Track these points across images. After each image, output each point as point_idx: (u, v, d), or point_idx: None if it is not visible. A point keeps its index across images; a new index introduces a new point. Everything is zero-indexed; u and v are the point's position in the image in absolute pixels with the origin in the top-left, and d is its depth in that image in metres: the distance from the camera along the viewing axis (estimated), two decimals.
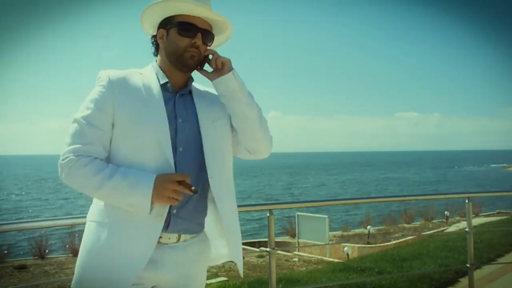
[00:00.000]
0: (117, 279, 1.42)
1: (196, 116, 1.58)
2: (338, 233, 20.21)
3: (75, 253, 14.17)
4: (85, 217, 1.57)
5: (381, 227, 21.08)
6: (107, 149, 1.51)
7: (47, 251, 14.72)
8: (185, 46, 1.53)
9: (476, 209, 20.58)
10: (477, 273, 5.33)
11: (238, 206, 1.72)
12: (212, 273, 10.16)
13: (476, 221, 15.31)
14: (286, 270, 11.21)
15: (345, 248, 14.19)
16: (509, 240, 7.96)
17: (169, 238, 1.52)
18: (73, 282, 1.49)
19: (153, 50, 1.65)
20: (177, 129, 1.53)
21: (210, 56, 1.60)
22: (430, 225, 20.97)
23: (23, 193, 48.02)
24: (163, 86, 1.56)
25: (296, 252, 14.57)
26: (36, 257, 14.24)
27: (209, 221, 1.66)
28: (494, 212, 22.41)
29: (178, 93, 1.58)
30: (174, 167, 1.48)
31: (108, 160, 1.51)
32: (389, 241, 15.41)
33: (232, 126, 1.65)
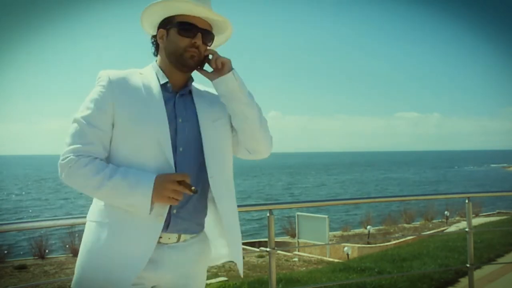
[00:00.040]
0: (117, 279, 1.42)
1: (196, 116, 1.58)
2: (338, 233, 20.21)
3: (75, 253, 14.17)
4: (85, 217, 1.57)
5: (381, 227, 21.08)
6: (107, 149, 1.50)
7: (47, 251, 14.72)
8: (185, 46, 1.53)
9: (476, 209, 20.58)
10: (477, 273, 5.33)
11: (238, 206, 1.72)
12: (212, 273, 10.16)
13: (476, 221, 15.31)
14: (286, 270, 11.21)
15: (345, 248, 14.20)
16: (509, 240, 7.95)
17: (169, 238, 1.52)
18: (73, 282, 1.49)
19: (153, 50, 1.65)
20: (177, 129, 1.53)
21: (210, 56, 1.60)
22: (430, 225, 20.97)
23: (23, 193, 48.03)
24: (163, 86, 1.56)
25: (296, 252, 14.57)
26: (36, 257, 14.24)
27: (209, 221, 1.66)
28: (494, 212, 22.41)
29: (178, 93, 1.58)
30: (174, 167, 1.48)
31: (108, 160, 1.51)
32: (389, 241, 15.41)
33: (232, 126, 1.65)
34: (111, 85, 1.50)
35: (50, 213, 32.67)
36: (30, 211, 33.78)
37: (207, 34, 1.58)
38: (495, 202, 25.10)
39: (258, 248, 11.79)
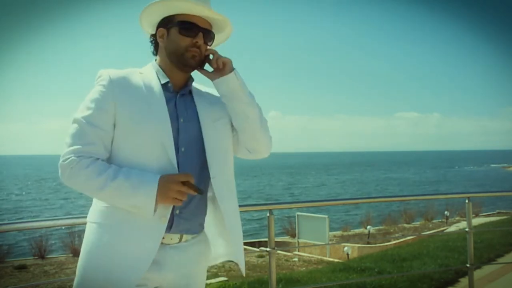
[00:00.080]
0: (121, 280, 1.41)
1: (197, 116, 1.58)
2: (338, 233, 20.23)
3: (75, 253, 14.18)
4: (85, 217, 1.56)
5: (381, 227, 21.10)
6: (109, 149, 1.49)
7: (47, 251, 14.73)
8: (186, 45, 1.53)
9: (476, 209, 20.60)
10: (477, 273, 5.33)
11: (238, 206, 1.72)
12: (212, 273, 10.16)
13: (476, 221, 15.31)
14: (286, 270, 11.21)
15: (345, 248, 14.20)
16: (509, 240, 7.96)
17: (171, 239, 1.51)
18: (75, 283, 1.48)
19: (152, 49, 1.64)
20: (179, 129, 1.52)
21: (211, 56, 1.59)
22: (430, 225, 20.98)
23: (23, 193, 48.05)
24: (164, 86, 1.55)
25: (296, 252, 14.57)
26: (36, 257, 14.26)
27: (208, 220, 1.66)
28: (494, 212, 22.42)
29: (178, 93, 1.58)
30: (177, 168, 1.47)
31: (109, 160, 1.49)
32: (389, 241, 15.41)
33: (232, 126, 1.65)
34: (112, 84, 1.48)
35: (50, 213, 32.70)
36: (30, 211, 33.79)
37: (208, 34, 1.57)
38: (495, 202, 25.11)
39: (258, 248, 11.79)
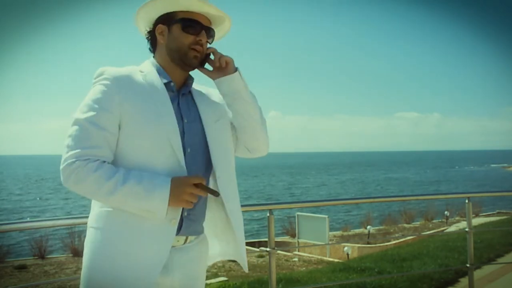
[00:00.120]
0: (133, 287, 1.38)
1: (199, 116, 1.56)
2: (338, 233, 20.23)
3: (75, 253, 14.19)
4: (86, 217, 1.52)
5: (381, 227, 21.11)
6: (114, 152, 1.43)
7: (47, 251, 14.73)
8: (189, 43, 1.50)
9: (476, 209, 20.60)
10: (477, 273, 5.32)
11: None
12: (212, 273, 10.16)
13: (476, 221, 15.31)
14: (286, 270, 11.20)
15: (345, 248, 14.20)
16: (509, 240, 7.95)
17: (177, 241, 1.49)
18: None
19: (148, 46, 1.60)
20: (184, 130, 1.49)
21: (211, 56, 1.58)
22: (430, 225, 20.99)
23: (24, 193, 48.03)
24: (166, 85, 1.51)
25: (296, 252, 14.57)
26: (36, 257, 14.25)
27: (207, 220, 1.65)
28: (494, 212, 22.43)
29: (180, 93, 1.56)
30: (186, 169, 1.44)
31: (114, 163, 1.43)
32: (389, 241, 15.42)
33: (231, 126, 1.65)
34: (116, 83, 1.42)
35: (50, 213, 32.70)
36: (31, 211, 33.79)
37: (209, 31, 1.56)
38: (495, 202, 25.10)
39: (258, 248, 11.78)
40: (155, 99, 1.46)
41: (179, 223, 1.46)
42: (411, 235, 15.75)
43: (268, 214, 2.87)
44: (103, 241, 1.41)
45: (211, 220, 1.65)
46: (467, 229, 3.59)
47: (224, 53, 1.57)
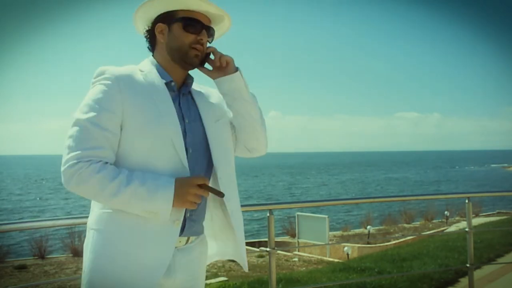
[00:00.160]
0: None
1: (199, 116, 1.55)
2: (338, 233, 20.23)
3: (75, 253, 14.20)
4: (86, 217, 1.51)
5: (381, 227, 21.11)
6: (116, 152, 1.41)
7: (47, 251, 14.73)
8: (190, 42, 1.49)
9: (476, 209, 20.60)
10: (477, 273, 5.33)
11: None
12: (212, 273, 10.16)
13: (476, 221, 15.31)
14: (286, 270, 11.21)
15: (345, 248, 14.20)
16: (509, 240, 7.95)
17: (179, 242, 1.49)
18: None
19: (147, 45, 1.59)
20: (185, 130, 1.48)
21: (211, 55, 1.57)
22: (430, 225, 20.99)
23: (24, 193, 48.03)
24: (167, 85, 1.50)
25: (296, 252, 14.58)
26: (36, 257, 14.25)
27: (205, 220, 1.65)
28: (494, 212, 22.43)
29: (181, 93, 1.55)
30: (188, 170, 1.43)
31: (116, 164, 1.41)
32: (389, 241, 15.41)
33: (231, 125, 1.65)
34: (117, 83, 1.41)
35: (50, 213, 32.70)
36: (30, 211, 33.79)
37: (209, 30, 1.55)
38: (495, 202, 25.12)
39: (258, 248, 11.78)
40: (157, 99, 1.44)
41: (181, 224, 1.45)
42: (411, 235, 15.75)
43: (268, 214, 2.87)
44: (105, 243, 1.40)
45: (210, 220, 1.65)
46: (467, 229, 3.59)
47: (224, 52, 1.57)
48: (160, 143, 1.41)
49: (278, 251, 11.70)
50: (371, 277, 5.47)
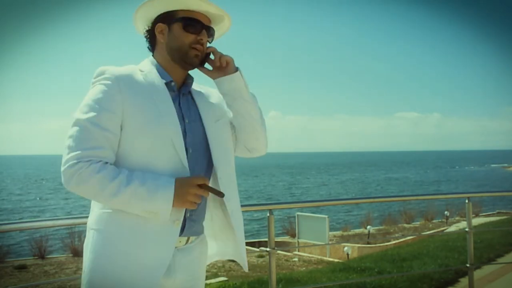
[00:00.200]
0: None
1: (199, 116, 1.55)
2: (338, 233, 20.23)
3: (75, 253, 14.20)
4: (86, 217, 1.51)
5: (381, 227, 21.11)
6: (116, 152, 1.41)
7: (47, 251, 14.73)
8: (190, 42, 1.49)
9: (476, 209, 20.60)
10: (477, 273, 5.33)
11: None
12: (212, 273, 10.16)
13: (476, 221, 15.31)
14: (286, 270, 11.21)
15: (345, 248, 14.20)
16: (509, 240, 7.96)
17: (180, 242, 1.49)
18: None
19: (147, 45, 1.59)
20: (185, 130, 1.48)
21: (211, 55, 1.57)
22: (430, 225, 20.98)
23: (24, 193, 48.04)
24: (167, 85, 1.50)
25: (296, 252, 14.58)
26: (36, 257, 14.26)
27: (205, 220, 1.65)
28: (494, 212, 22.43)
29: (181, 93, 1.55)
30: (188, 170, 1.43)
31: (115, 164, 1.41)
32: (389, 241, 15.41)
33: (231, 125, 1.65)
34: (117, 83, 1.41)
35: (50, 213, 32.70)
36: (30, 211, 33.80)
37: (209, 30, 1.55)
38: (495, 202, 25.13)
39: (258, 248, 11.78)
40: (157, 99, 1.45)
41: (181, 224, 1.45)
42: (411, 235, 15.75)
43: (268, 214, 2.87)
44: (105, 243, 1.40)
45: (210, 220, 1.65)
46: (467, 229, 3.59)
47: (224, 52, 1.57)
48: (160, 143, 1.41)
49: (278, 251, 11.71)
50: (371, 277, 5.47)
